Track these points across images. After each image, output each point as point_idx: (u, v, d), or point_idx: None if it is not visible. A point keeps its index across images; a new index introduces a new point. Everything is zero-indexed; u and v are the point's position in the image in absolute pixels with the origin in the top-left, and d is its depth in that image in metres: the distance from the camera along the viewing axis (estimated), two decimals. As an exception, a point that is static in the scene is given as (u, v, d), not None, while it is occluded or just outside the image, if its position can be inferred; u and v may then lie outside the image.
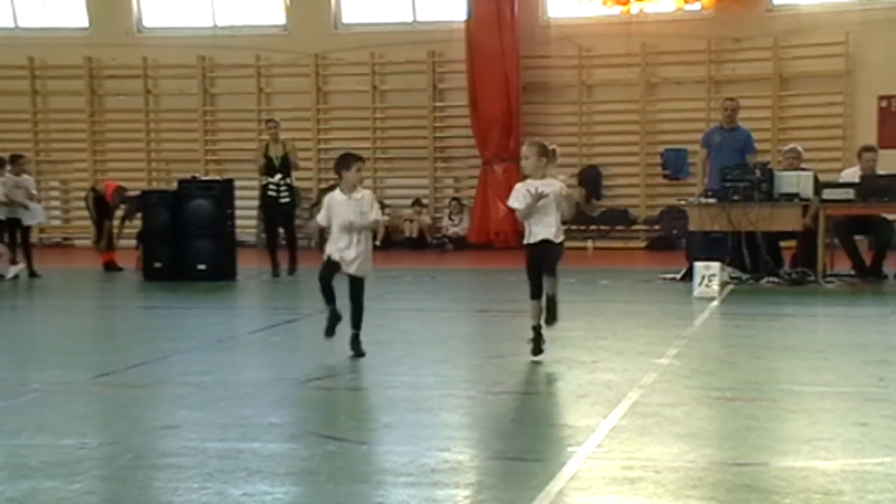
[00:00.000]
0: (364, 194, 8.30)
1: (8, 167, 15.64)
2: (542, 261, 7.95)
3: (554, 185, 7.95)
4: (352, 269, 8.21)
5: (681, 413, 6.27)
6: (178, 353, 8.75)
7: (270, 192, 15.19)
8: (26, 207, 15.68)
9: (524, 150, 8.12)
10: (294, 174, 15.46)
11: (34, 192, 16.10)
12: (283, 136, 15.65)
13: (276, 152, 15.21)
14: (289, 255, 15.21)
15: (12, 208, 15.48)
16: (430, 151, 22.14)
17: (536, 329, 8.01)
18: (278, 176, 15.13)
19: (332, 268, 8.24)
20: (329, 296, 8.27)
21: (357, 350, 8.23)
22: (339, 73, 22.55)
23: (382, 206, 21.52)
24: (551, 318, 8.02)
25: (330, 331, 8.28)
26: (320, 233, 8.50)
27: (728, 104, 14.37)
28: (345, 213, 8.14)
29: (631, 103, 21.15)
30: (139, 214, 15.89)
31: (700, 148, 14.59)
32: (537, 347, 8.00)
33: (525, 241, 8.10)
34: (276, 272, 15.10)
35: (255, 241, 20.63)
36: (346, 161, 8.29)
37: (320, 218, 8.31)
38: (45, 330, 10.87)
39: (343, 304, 8.30)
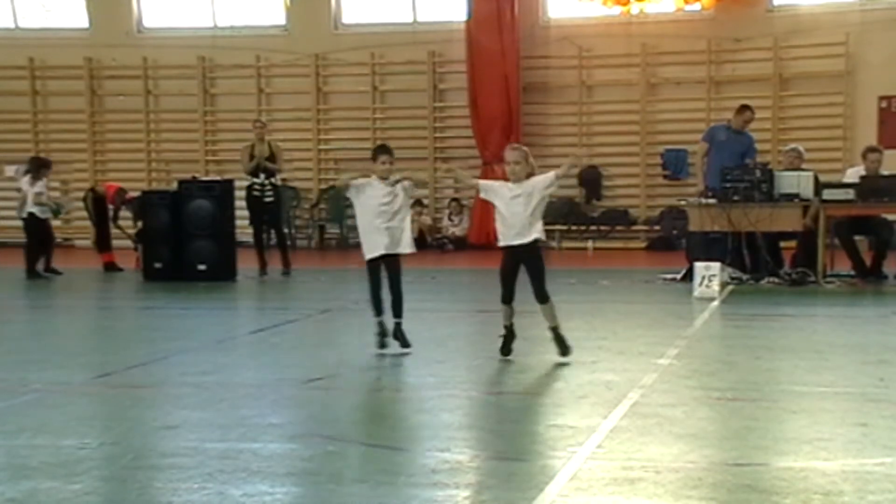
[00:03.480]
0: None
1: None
2: (517, 268, 7.96)
3: (537, 182, 7.92)
4: (394, 248, 8.28)
5: (681, 413, 6.27)
6: (178, 354, 8.75)
7: (255, 192, 15.25)
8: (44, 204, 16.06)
9: (516, 155, 7.95)
10: (279, 176, 15.49)
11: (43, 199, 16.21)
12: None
13: (261, 152, 15.24)
14: (281, 257, 15.21)
15: (43, 209, 15.76)
16: (430, 152, 22.12)
17: (509, 328, 8.07)
18: (262, 176, 15.17)
19: (376, 270, 8.34)
20: (378, 307, 8.37)
21: (402, 340, 8.32)
22: (339, 73, 22.54)
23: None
24: (563, 350, 7.98)
25: (381, 344, 8.36)
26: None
27: (748, 115, 14.40)
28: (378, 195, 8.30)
29: (631, 103, 21.14)
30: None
31: (700, 142, 14.59)
32: (506, 347, 8.06)
33: (500, 244, 8.06)
34: (263, 271, 15.11)
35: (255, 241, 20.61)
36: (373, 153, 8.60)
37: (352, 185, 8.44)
38: (45, 330, 10.87)
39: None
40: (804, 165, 14.28)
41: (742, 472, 5.03)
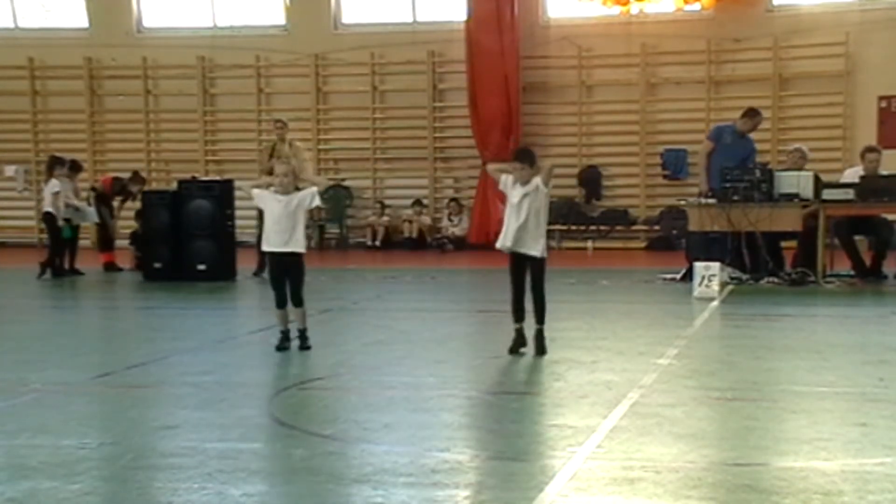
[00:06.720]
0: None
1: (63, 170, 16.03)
2: (284, 274, 8.66)
3: (302, 196, 8.51)
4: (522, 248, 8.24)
5: (681, 413, 6.27)
6: (178, 353, 8.75)
7: None
8: (77, 209, 16.20)
9: (285, 169, 8.76)
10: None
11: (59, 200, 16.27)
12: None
13: (281, 153, 15.15)
14: None
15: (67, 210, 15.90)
16: (430, 152, 22.13)
17: (285, 333, 8.66)
18: None
19: (513, 269, 8.32)
20: (517, 312, 8.31)
21: (540, 346, 8.22)
22: (339, 73, 22.54)
23: (382, 207, 21.78)
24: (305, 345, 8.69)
25: (537, 349, 8.26)
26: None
27: (759, 120, 14.45)
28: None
29: (631, 103, 21.15)
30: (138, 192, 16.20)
31: (706, 140, 14.59)
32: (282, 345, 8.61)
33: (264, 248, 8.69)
34: (259, 272, 15.06)
35: (255, 241, 20.59)
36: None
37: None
38: (45, 330, 10.86)
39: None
40: (806, 166, 14.28)
41: (742, 472, 5.03)
